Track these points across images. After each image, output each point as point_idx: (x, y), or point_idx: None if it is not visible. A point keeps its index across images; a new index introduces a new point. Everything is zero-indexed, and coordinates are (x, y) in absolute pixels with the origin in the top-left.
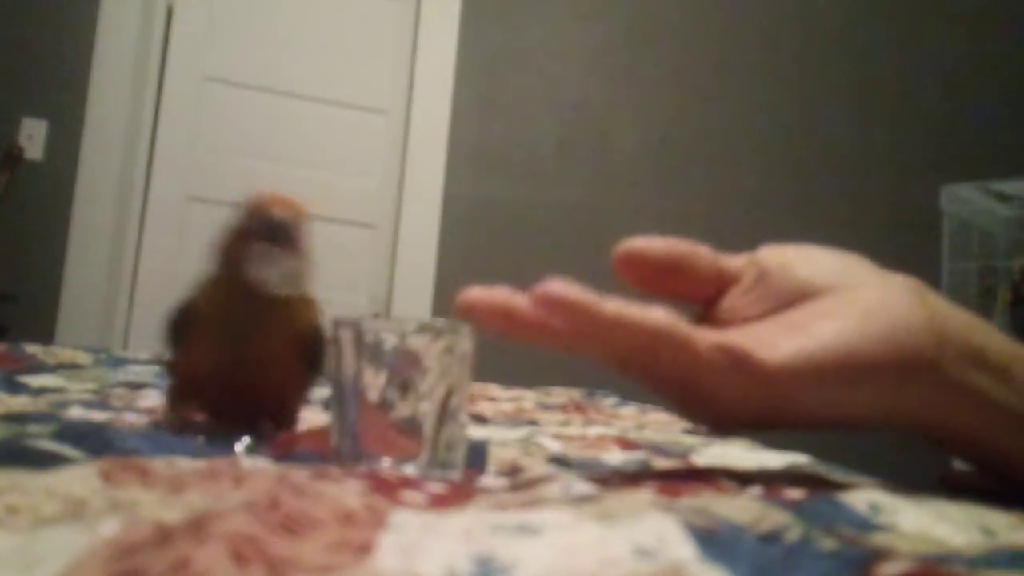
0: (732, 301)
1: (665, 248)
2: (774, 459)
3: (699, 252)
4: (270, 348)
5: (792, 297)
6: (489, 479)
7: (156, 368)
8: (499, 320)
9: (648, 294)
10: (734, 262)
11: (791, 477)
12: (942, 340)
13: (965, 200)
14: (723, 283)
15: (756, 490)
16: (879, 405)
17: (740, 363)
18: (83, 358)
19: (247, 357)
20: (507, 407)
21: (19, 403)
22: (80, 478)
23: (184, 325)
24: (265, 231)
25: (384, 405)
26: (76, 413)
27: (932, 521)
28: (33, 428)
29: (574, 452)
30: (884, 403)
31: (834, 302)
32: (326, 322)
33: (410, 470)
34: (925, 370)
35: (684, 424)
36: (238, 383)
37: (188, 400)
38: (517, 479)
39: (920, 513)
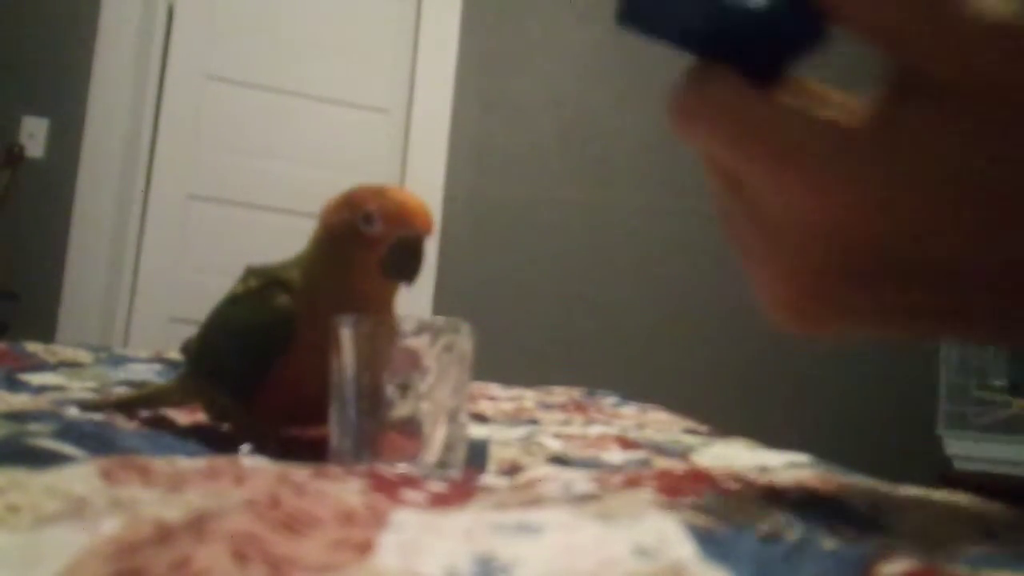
0: None
1: None
2: (774, 458)
3: None
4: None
5: None
6: (489, 478)
7: (156, 366)
8: None
9: None
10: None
11: (791, 477)
12: None
13: None
14: None
15: (756, 490)
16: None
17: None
18: (84, 356)
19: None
20: (507, 406)
21: (20, 401)
22: (81, 477)
23: (286, 333)
24: (406, 254)
25: (384, 405)
26: (76, 412)
27: (932, 521)
28: (34, 427)
29: (575, 451)
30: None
31: None
32: None
33: (410, 470)
34: None
35: (684, 423)
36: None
37: (278, 415)
38: (517, 478)
39: (920, 513)
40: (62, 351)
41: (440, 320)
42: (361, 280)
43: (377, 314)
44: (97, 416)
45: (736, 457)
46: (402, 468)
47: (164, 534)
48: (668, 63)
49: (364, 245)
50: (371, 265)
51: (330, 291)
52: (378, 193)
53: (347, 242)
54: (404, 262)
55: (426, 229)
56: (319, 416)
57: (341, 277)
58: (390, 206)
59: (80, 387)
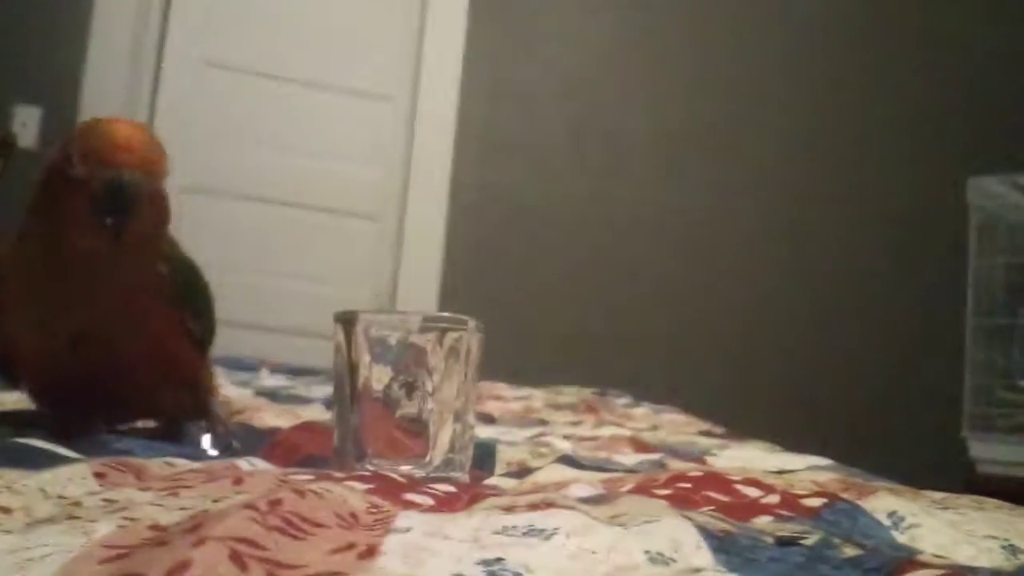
0: None
1: None
2: (794, 461)
3: None
4: (116, 313)
5: None
6: (497, 480)
7: None
8: None
9: None
10: None
11: (810, 481)
12: None
13: (993, 194)
14: None
15: (775, 497)
16: None
17: None
18: None
19: (85, 330)
20: (515, 406)
21: (13, 400)
22: (74, 478)
23: None
24: (110, 197)
25: (389, 404)
26: None
27: (954, 542)
28: (27, 427)
29: (585, 453)
30: None
31: None
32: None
33: (416, 471)
34: None
35: (700, 425)
36: (79, 365)
37: (34, 393)
38: (525, 480)
39: (942, 532)
40: None
41: (446, 316)
42: (72, 228)
43: (95, 267)
44: None
45: (754, 460)
46: (407, 469)
47: (161, 537)
48: (680, 53)
49: (71, 188)
50: (80, 211)
51: (42, 239)
52: (86, 129)
53: (56, 185)
54: (109, 206)
55: (134, 166)
56: (85, 397)
57: (52, 224)
58: (91, 143)
59: None
